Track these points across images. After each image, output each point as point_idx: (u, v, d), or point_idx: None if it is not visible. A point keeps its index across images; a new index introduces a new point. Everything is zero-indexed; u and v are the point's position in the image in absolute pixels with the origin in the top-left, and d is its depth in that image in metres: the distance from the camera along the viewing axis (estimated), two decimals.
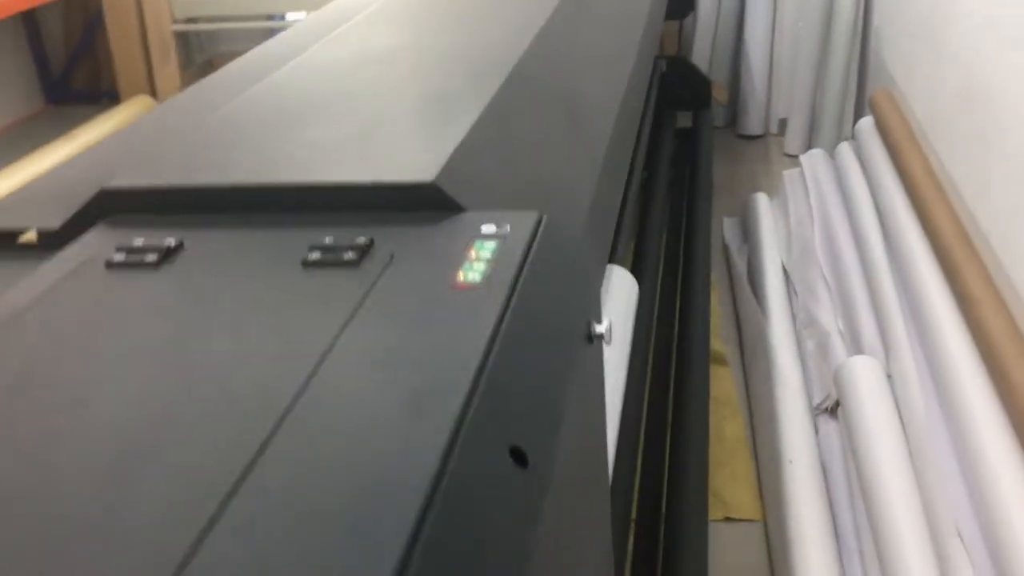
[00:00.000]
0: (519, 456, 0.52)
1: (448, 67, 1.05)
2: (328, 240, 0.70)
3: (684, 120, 3.74)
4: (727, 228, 3.50)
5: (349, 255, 0.68)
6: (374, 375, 0.55)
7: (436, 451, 0.48)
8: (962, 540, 1.74)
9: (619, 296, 1.99)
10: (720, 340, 2.87)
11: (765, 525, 2.22)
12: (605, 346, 1.80)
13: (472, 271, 0.66)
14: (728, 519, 2.26)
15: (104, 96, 4.53)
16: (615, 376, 1.77)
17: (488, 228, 0.72)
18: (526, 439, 0.53)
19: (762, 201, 3.41)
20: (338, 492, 0.45)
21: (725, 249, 3.38)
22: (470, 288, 0.64)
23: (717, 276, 3.26)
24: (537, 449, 0.54)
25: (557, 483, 0.61)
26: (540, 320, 0.63)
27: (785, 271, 2.98)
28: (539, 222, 0.72)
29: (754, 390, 2.63)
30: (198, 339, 0.60)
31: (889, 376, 2.26)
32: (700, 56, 4.22)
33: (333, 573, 0.40)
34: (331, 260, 0.68)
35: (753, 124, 4.27)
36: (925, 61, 2.98)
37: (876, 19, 3.64)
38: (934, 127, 2.79)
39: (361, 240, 0.70)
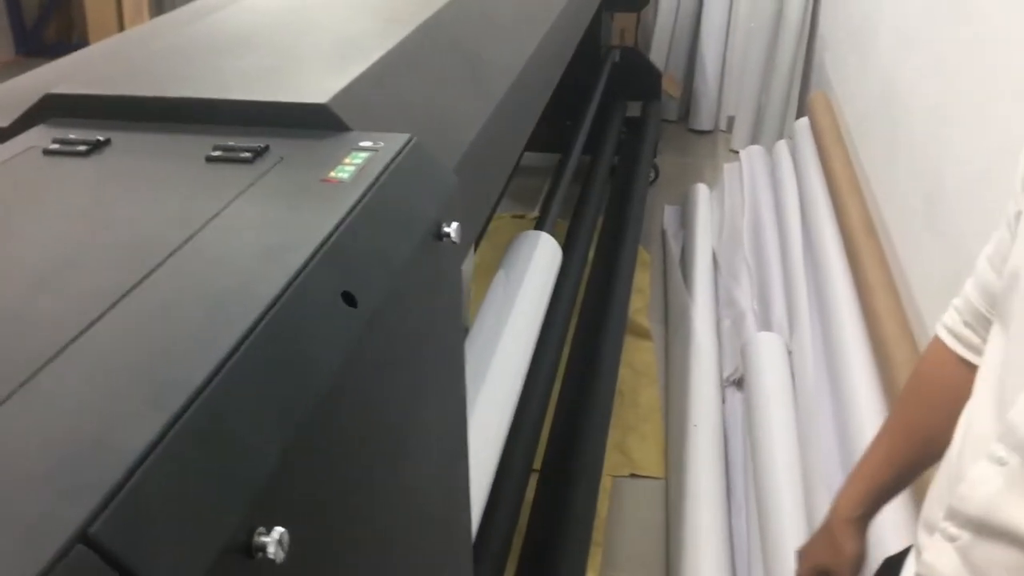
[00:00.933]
0: (349, 298, 0.67)
1: (366, 16, 1.20)
2: (230, 143, 0.85)
3: (636, 110, 3.90)
4: (667, 215, 3.67)
5: (245, 155, 0.83)
6: (243, 236, 0.70)
7: (276, 284, 0.63)
8: (829, 495, 1.91)
9: (542, 259, 2.15)
10: (646, 317, 3.04)
11: (667, 483, 2.39)
12: (518, 298, 1.94)
13: (342, 171, 0.81)
14: (634, 475, 2.43)
15: (75, 48, 4.59)
16: (528, 328, 1.93)
17: (365, 143, 0.87)
18: (359, 289, 0.69)
19: (702, 191, 3.59)
20: (192, 304, 0.61)
21: (663, 234, 3.55)
22: (337, 183, 0.79)
23: (653, 258, 3.43)
24: (367, 298, 0.69)
25: (397, 336, 0.76)
26: (389, 211, 0.78)
27: (714, 256, 3.16)
28: (408, 142, 0.88)
29: (672, 362, 2.80)
30: (107, 208, 0.75)
31: (790, 351, 2.44)
32: (659, 50, 4.39)
33: (173, 357, 0.55)
34: (230, 157, 0.83)
35: (704, 120, 4.44)
36: (855, 68, 3.16)
37: (821, 26, 3.81)
38: (857, 129, 2.97)
39: (258, 145, 0.84)
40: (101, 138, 0.87)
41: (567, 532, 1.89)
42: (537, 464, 2.09)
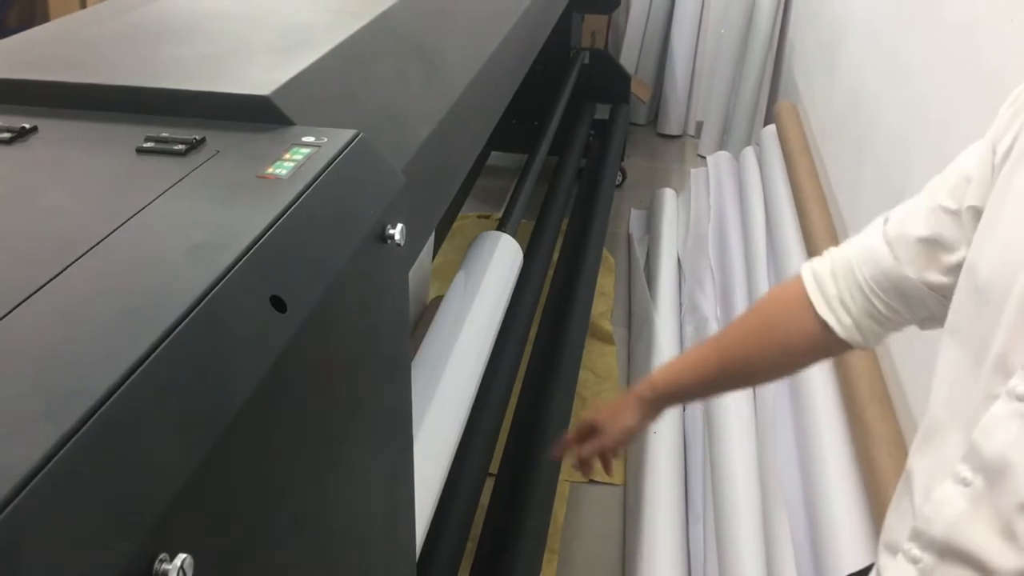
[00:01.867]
0: (278, 303, 0.63)
1: (319, 7, 1.15)
2: (164, 134, 0.80)
3: (605, 112, 3.87)
4: (633, 220, 3.65)
5: (179, 147, 0.78)
6: (168, 233, 0.65)
7: (198, 286, 0.59)
8: (786, 509, 1.89)
9: (502, 260, 2.11)
10: (609, 321, 3.02)
11: (625, 489, 2.37)
12: (476, 299, 1.90)
13: (280, 167, 0.77)
14: (592, 482, 2.40)
15: None
16: (485, 330, 1.89)
17: (308, 138, 0.83)
18: (290, 293, 0.64)
19: (668, 196, 3.57)
20: (103, 306, 0.56)
21: (629, 238, 3.53)
22: (273, 179, 0.74)
23: (618, 262, 3.41)
24: (299, 302, 0.65)
25: (333, 343, 0.72)
26: (328, 210, 0.74)
27: (679, 262, 3.14)
28: (354, 138, 0.83)
29: (635, 367, 2.77)
30: (24, 200, 0.70)
31: None
32: (629, 54, 4.37)
33: (73, 366, 0.51)
34: (162, 149, 0.78)
35: (672, 124, 4.43)
36: (821, 75, 3.15)
37: (791, 34, 3.81)
38: (823, 137, 2.97)
39: (193, 137, 0.80)
40: (27, 125, 0.82)
41: (522, 537, 1.86)
42: (494, 468, 2.05)
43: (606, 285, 3.19)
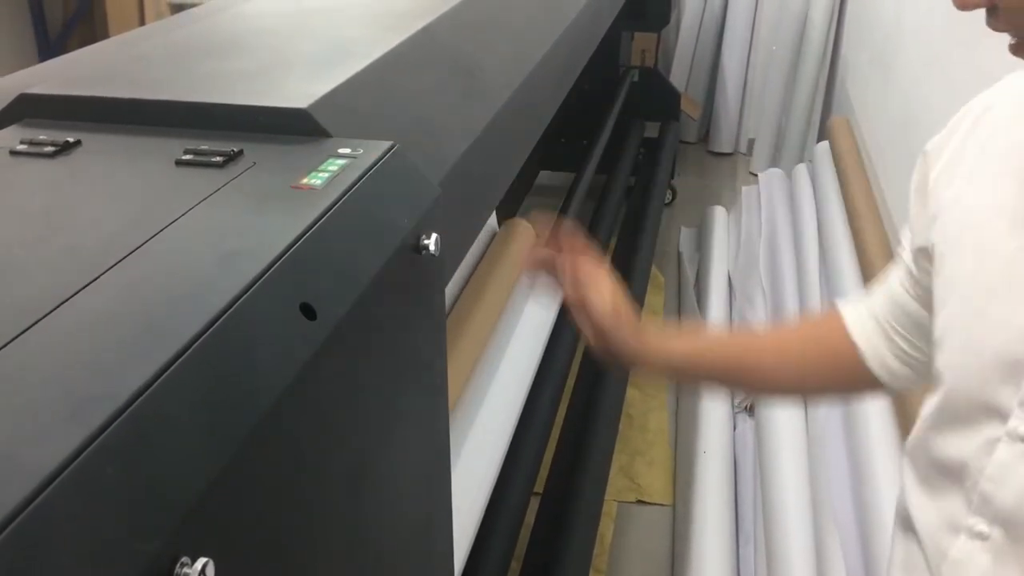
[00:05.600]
0: (308, 310, 0.63)
1: (363, 23, 1.17)
2: (203, 146, 0.81)
3: (655, 131, 3.86)
4: (684, 238, 3.62)
5: (217, 159, 0.79)
6: (201, 241, 0.66)
7: (228, 292, 0.59)
8: (837, 529, 1.85)
9: None
10: None
11: (674, 510, 2.33)
12: (523, 317, 1.90)
13: (316, 178, 0.77)
14: (640, 501, 2.37)
15: None
16: (531, 348, 1.88)
17: (344, 150, 0.83)
18: (320, 301, 0.64)
19: (719, 214, 3.54)
20: (134, 311, 0.57)
21: (679, 256, 3.50)
22: (308, 189, 0.75)
23: (668, 281, 3.38)
24: (330, 310, 0.65)
25: (365, 352, 0.72)
26: (362, 220, 0.74)
27: (729, 280, 3.10)
28: (390, 149, 0.84)
29: (683, 387, 2.74)
30: (64, 210, 0.71)
31: None
32: (679, 71, 4.35)
33: (101, 370, 0.51)
34: (200, 161, 0.79)
35: (724, 142, 4.39)
36: (876, 91, 3.10)
37: (843, 49, 3.77)
38: (877, 153, 2.92)
39: (231, 149, 0.81)
40: (71, 139, 0.84)
41: (567, 557, 1.83)
42: (540, 487, 2.04)
43: (655, 303, 3.17)
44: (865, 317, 0.93)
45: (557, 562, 1.80)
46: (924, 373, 0.91)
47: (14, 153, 0.82)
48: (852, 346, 0.93)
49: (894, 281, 0.91)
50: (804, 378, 0.99)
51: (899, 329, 0.89)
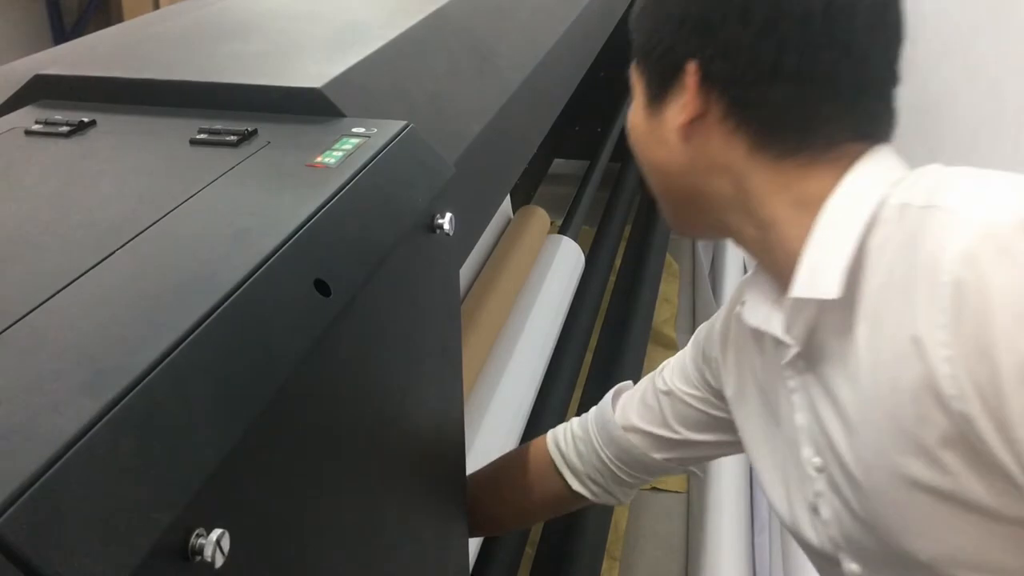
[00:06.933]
0: (322, 287, 0.63)
1: (375, 5, 1.16)
2: (218, 126, 0.81)
3: None
4: None
5: (231, 138, 0.79)
6: (215, 218, 0.66)
7: (243, 268, 0.59)
8: None
9: (563, 264, 2.10)
10: (673, 328, 2.98)
11: (688, 497, 2.33)
12: (538, 304, 1.89)
13: (330, 156, 0.77)
14: (655, 488, 2.36)
15: None
16: (545, 335, 1.88)
17: (359, 129, 0.83)
18: (334, 277, 0.64)
19: None
20: (149, 286, 0.57)
21: (693, 244, 3.48)
22: (322, 168, 0.75)
23: (681, 269, 3.37)
24: (344, 287, 0.65)
25: (379, 328, 0.72)
26: (376, 198, 0.74)
27: (745, 267, 3.09)
28: (404, 129, 0.83)
29: None
30: (79, 188, 0.71)
31: None
32: None
33: (116, 342, 0.51)
34: (214, 140, 0.79)
35: None
36: None
37: None
38: (894, 138, 2.89)
39: (245, 128, 0.81)
40: (86, 119, 0.84)
41: (581, 544, 1.83)
42: None
43: (670, 291, 3.16)
44: (571, 455, 1.02)
45: (571, 548, 1.80)
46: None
47: (29, 133, 0.82)
48: (563, 483, 1.02)
49: (619, 430, 0.99)
50: (527, 512, 1.09)
51: (626, 469, 0.99)
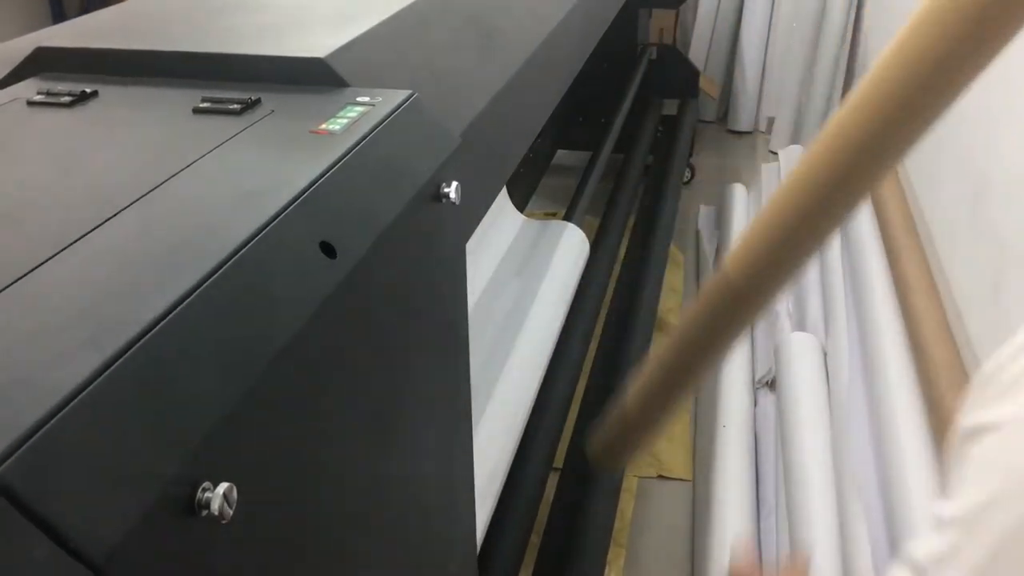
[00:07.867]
0: (328, 249, 0.62)
1: None
2: (220, 95, 0.80)
3: (673, 108, 3.82)
4: (703, 216, 3.59)
5: (234, 106, 0.78)
6: (220, 181, 0.65)
7: (247, 228, 0.58)
8: (860, 498, 1.83)
9: (567, 250, 2.09)
10: (677, 317, 2.97)
11: (694, 484, 2.32)
12: (541, 291, 1.88)
13: (334, 124, 0.76)
14: (661, 476, 2.36)
15: None
16: (549, 323, 1.87)
17: (363, 98, 0.82)
18: (340, 240, 0.64)
19: (738, 192, 3.51)
20: (154, 245, 0.56)
21: (697, 234, 3.48)
22: (326, 134, 0.74)
23: (687, 259, 3.36)
24: (349, 250, 0.64)
25: (385, 293, 0.71)
26: (381, 165, 0.73)
27: None
28: (408, 98, 0.83)
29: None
30: (82, 155, 0.71)
31: (825, 352, 2.35)
32: (698, 50, 4.31)
33: (121, 298, 0.50)
34: (218, 109, 0.78)
35: (743, 120, 4.35)
36: None
37: (865, 26, 3.72)
38: None
39: (248, 97, 0.80)
40: (88, 90, 0.83)
41: (587, 531, 1.83)
42: (559, 463, 2.02)
43: (675, 280, 3.15)
44: None
45: (578, 535, 1.79)
46: None
47: (31, 103, 0.81)
48: None
49: None
50: None
51: None
